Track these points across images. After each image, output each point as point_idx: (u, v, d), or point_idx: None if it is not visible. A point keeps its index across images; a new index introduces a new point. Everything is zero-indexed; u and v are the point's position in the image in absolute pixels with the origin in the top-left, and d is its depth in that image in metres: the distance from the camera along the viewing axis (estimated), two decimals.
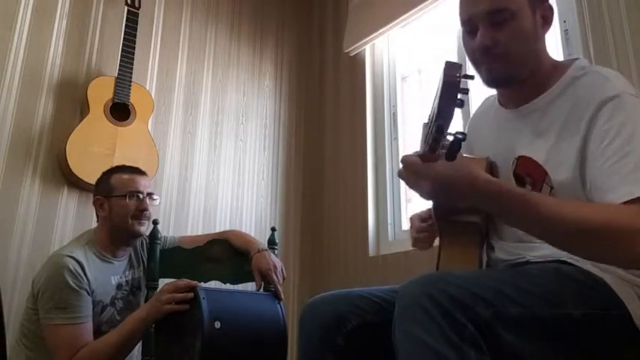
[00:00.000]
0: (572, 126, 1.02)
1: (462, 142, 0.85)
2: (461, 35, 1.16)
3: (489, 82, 1.13)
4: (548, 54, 1.14)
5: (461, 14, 1.13)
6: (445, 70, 0.81)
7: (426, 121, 0.91)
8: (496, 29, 1.06)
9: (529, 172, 1.08)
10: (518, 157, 1.11)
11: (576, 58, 1.12)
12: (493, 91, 1.24)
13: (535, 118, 1.10)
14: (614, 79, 1.02)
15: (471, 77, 0.89)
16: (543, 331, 0.86)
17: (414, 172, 0.93)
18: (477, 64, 1.12)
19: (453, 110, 0.82)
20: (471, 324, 0.80)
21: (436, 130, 0.83)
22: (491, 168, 1.17)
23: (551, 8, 1.13)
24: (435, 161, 0.90)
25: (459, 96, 0.81)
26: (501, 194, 0.90)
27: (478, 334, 0.80)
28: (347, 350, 1.10)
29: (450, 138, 0.84)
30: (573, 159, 1.00)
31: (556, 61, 1.15)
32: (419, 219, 1.28)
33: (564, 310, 0.87)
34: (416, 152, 0.96)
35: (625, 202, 0.89)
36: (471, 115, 1.38)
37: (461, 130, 1.38)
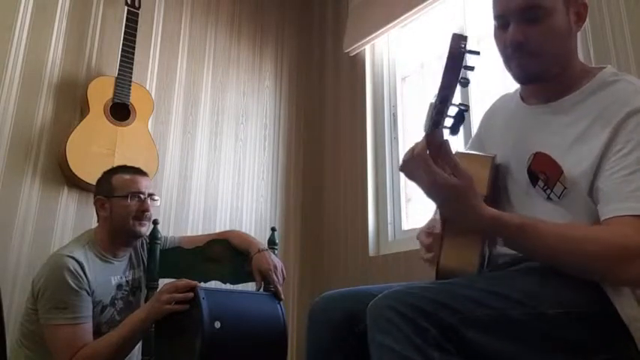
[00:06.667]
0: (597, 129, 1.01)
1: (465, 113, 0.86)
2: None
3: (519, 78, 1.13)
4: (577, 55, 1.13)
5: (494, 8, 1.12)
6: (451, 41, 0.83)
7: (432, 100, 0.90)
8: (529, 26, 1.06)
9: (544, 169, 1.07)
10: (535, 153, 1.09)
11: (606, 65, 1.12)
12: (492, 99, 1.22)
13: (560, 116, 1.09)
14: None
15: (477, 52, 0.89)
16: (514, 331, 0.87)
17: (419, 163, 0.93)
18: (507, 60, 1.12)
19: (457, 81, 0.83)
20: (433, 328, 0.83)
21: (440, 100, 0.84)
22: (497, 170, 1.16)
23: (585, 4, 1.11)
24: (440, 141, 0.90)
25: (463, 71, 0.83)
26: (501, 226, 0.96)
27: (443, 337, 0.83)
28: (358, 350, 1.08)
29: (454, 112, 0.86)
30: (591, 162, 0.99)
31: (585, 65, 1.15)
32: (424, 235, 1.21)
33: (537, 310, 0.88)
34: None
35: (624, 216, 0.92)
36: (487, 110, 1.35)
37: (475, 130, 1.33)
